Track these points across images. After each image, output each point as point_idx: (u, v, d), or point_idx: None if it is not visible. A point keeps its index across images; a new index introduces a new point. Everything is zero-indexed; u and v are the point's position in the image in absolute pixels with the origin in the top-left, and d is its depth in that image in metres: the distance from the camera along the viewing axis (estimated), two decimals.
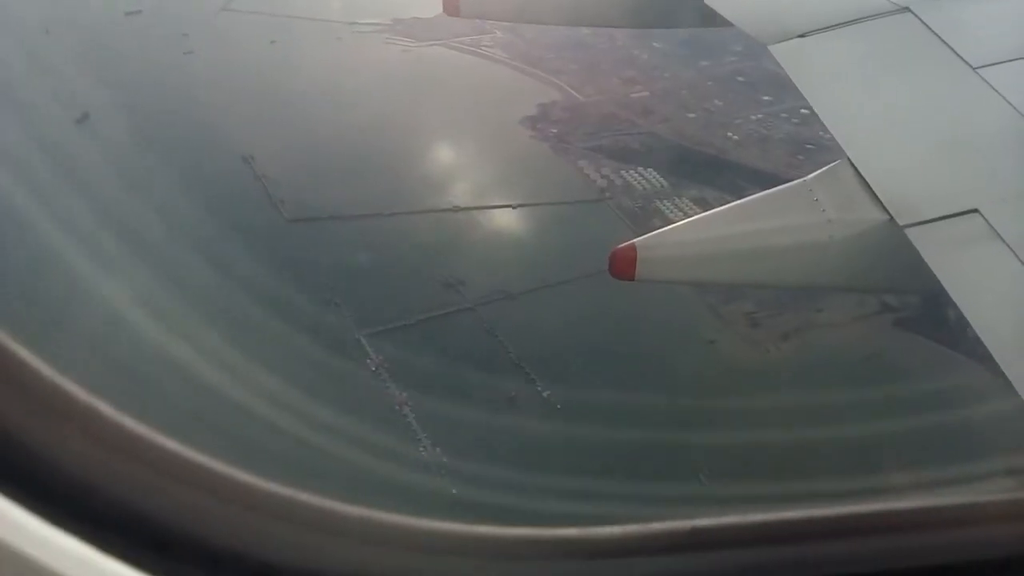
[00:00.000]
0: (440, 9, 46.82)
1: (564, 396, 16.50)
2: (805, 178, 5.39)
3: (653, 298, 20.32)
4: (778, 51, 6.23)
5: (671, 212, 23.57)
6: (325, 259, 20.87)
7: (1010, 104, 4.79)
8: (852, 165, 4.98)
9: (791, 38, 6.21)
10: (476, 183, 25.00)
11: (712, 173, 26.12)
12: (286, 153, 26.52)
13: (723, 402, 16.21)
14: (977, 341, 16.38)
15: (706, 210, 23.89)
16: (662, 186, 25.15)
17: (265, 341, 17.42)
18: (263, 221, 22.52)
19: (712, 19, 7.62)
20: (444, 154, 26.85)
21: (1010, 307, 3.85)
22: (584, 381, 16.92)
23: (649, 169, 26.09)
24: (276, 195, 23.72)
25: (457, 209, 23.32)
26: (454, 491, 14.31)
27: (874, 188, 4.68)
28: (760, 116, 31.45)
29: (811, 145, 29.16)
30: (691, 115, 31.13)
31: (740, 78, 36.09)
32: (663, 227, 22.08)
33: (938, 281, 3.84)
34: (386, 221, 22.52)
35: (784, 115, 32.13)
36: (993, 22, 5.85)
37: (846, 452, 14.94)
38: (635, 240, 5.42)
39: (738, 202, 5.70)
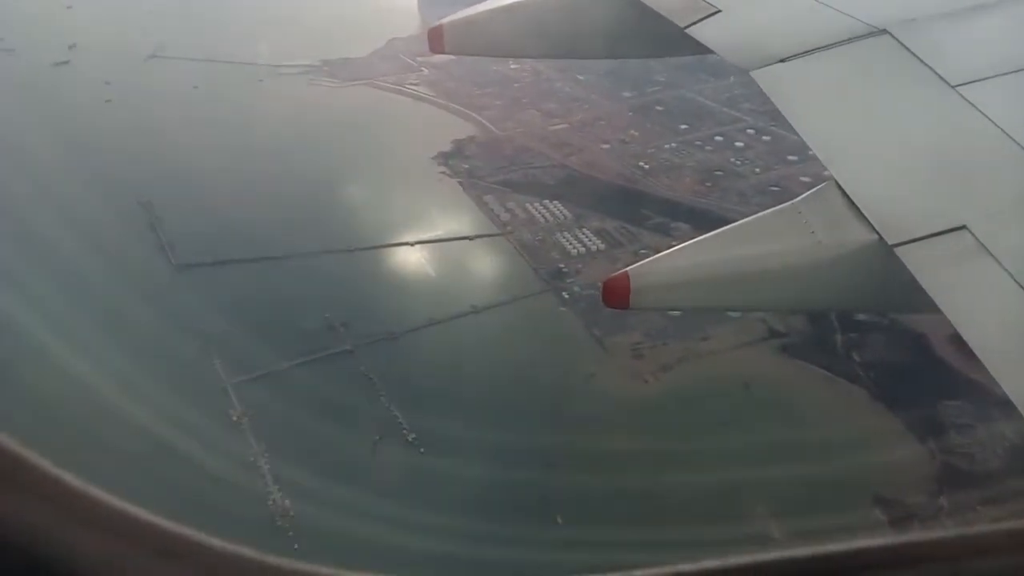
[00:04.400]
0: (370, 49, 46.78)
1: (430, 439, 15.99)
2: (794, 200, 5.36)
3: (539, 331, 19.98)
4: (760, 76, 6.20)
5: (570, 244, 23.27)
6: (206, 305, 20.34)
7: (990, 120, 4.84)
8: (839, 187, 4.89)
9: (772, 63, 6.17)
10: (378, 221, 24.67)
11: (617, 203, 25.95)
12: (187, 198, 26.14)
13: (590, 440, 15.75)
14: (860, 366, 16.05)
15: (605, 240, 23.93)
16: (565, 218, 24.87)
17: (126, 392, 16.81)
18: (148, 267, 22.06)
19: (691, 47, 7.56)
20: (350, 193, 26.57)
21: (1003, 322, 3.75)
22: (453, 422, 16.40)
23: (555, 202, 25.84)
24: (167, 240, 23.24)
25: (352, 249, 22.92)
26: (296, 546, 13.68)
27: (862, 208, 4.70)
28: (674, 145, 31.30)
29: (720, 172, 29.17)
30: (605, 146, 31.01)
31: (659, 107, 36.14)
32: (560, 259, 21.71)
33: (929, 298, 3.74)
34: (277, 264, 22.10)
35: (698, 143, 32.12)
36: (969, 41, 5.90)
37: (710, 488, 14.51)
38: (628, 268, 5.36)
39: (729, 227, 5.67)
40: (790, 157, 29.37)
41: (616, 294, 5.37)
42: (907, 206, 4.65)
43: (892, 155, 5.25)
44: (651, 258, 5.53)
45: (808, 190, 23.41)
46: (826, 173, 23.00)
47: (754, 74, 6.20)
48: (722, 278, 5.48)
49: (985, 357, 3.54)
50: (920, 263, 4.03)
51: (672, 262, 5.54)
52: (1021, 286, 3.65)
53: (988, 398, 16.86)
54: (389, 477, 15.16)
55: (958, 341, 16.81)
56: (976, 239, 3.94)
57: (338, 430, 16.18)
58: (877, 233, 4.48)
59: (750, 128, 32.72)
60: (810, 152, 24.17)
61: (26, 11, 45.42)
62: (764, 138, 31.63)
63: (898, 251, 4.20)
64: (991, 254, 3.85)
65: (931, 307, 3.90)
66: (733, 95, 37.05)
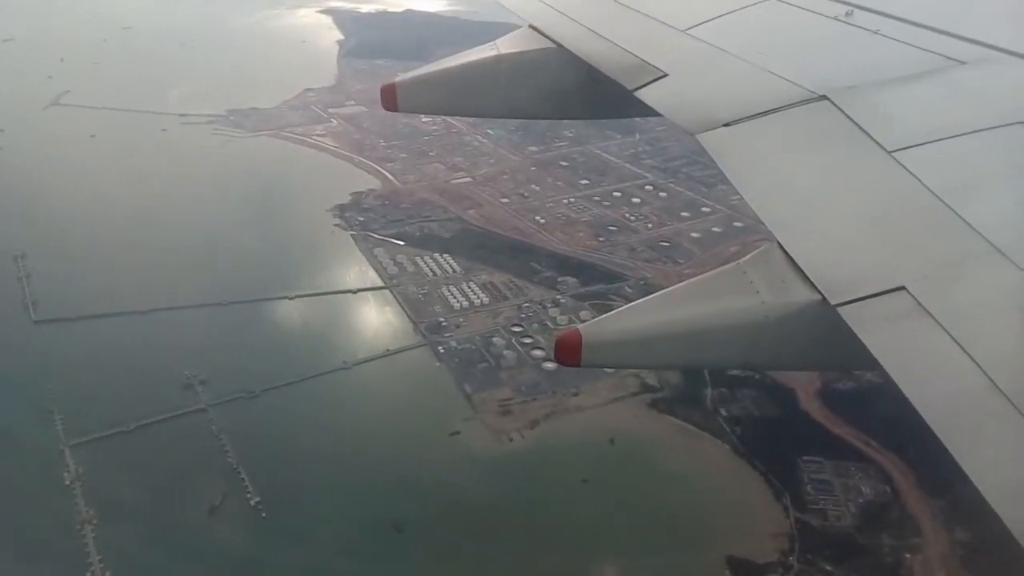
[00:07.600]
0: (281, 99, 46.19)
1: (273, 503, 15.18)
2: (738, 261, 5.25)
3: (409, 387, 19.32)
4: (705, 139, 6.21)
5: (454, 298, 22.91)
6: (60, 362, 19.29)
7: (924, 185, 4.88)
8: (781, 248, 4.79)
9: (716, 127, 6.20)
10: (261, 275, 23.87)
11: (508, 257, 25.80)
12: (62, 250, 24.97)
13: (442, 502, 15.16)
14: (727, 420, 15.80)
15: (490, 294, 23.72)
16: (453, 272, 24.58)
17: None
18: (6, 322, 20.89)
19: (638, 110, 7.55)
20: (237, 246, 25.63)
21: (942, 379, 3.79)
22: (302, 485, 15.70)
23: (446, 255, 25.55)
24: (32, 295, 22.11)
25: (227, 303, 22.13)
26: None
27: (804, 269, 4.63)
28: (572, 200, 31.55)
29: (614, 227, 29.32)
30: (504, 200, 30.93)
31: (563, 163, 36.52)
32: (442, 313, 21.24)
33: (871, 356, 3.82)
34: (145, 319, 21.13)
35: (597, 198, 32.28)
36: (904, 109, 6.16)
37: (556, 549, 14.05)
38: (580, 326, 5.26)
39: (677, 286, 5.61)
40: (683, 213, 29.57)
41: (568, 351, 5.39)
42: (848, 267, 4.84)
43: (832, 217, 5.47)
44: (603, 316, 5.65)
45: (697, 245, 23.44)
46: (715, 230, 23.20)
47: (699, 137, 6.39)
48: (670, 337, 5.60)
49: (925, 413, 3.64)
50: (862, 322, 4.12)
51: (622, 321, 5.66)
52: (958, 343, 3.76)
53: (847, 454, 16.97)
54: (224, 544, 14.25)
55: (824, 397, 16.75)
56: (914, 299, 4.08)
57: (177, 494, 15.28)
58: (820, 293, 4.54)
59: (649, 184, 33.45)
60: (703, 208, 24.43)
61: None
62: (661, 194, 32.27)
63: (840, 311, 4.25)
64: (929, 313, 3.98)
65: (872, 364, 3.95)
66: (637, 152, 37.84)
